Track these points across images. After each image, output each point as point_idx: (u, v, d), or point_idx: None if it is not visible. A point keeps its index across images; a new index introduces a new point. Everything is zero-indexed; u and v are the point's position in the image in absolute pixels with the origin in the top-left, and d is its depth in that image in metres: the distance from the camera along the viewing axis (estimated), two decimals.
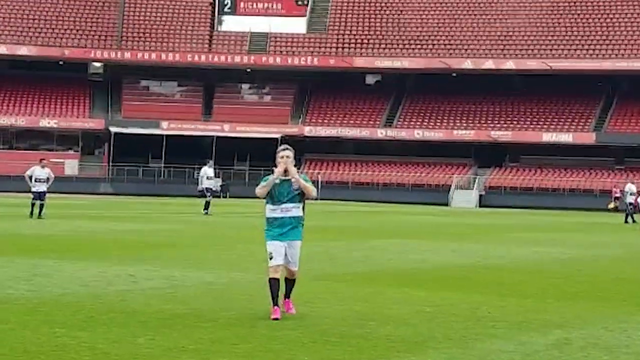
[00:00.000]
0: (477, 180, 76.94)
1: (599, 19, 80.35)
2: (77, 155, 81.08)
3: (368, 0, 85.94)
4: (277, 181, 11.73)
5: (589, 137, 77.26)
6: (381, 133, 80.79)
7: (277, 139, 79.48)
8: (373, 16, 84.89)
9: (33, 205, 33.34)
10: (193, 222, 35.39)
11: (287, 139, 79.36)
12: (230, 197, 72.62)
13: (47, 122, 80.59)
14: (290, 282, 12.14)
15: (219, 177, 53.32)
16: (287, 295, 12.08)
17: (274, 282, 11.72)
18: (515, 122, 79.29)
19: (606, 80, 79.43)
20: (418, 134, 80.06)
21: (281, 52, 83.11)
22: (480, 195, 75.18)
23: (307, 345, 10.02)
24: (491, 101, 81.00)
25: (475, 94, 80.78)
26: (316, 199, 13.65)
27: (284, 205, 11.75)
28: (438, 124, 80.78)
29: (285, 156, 11.78)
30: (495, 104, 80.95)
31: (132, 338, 10.11)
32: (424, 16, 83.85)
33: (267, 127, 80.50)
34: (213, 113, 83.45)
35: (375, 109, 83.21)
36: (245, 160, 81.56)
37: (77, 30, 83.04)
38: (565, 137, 77.48)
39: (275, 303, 11.66)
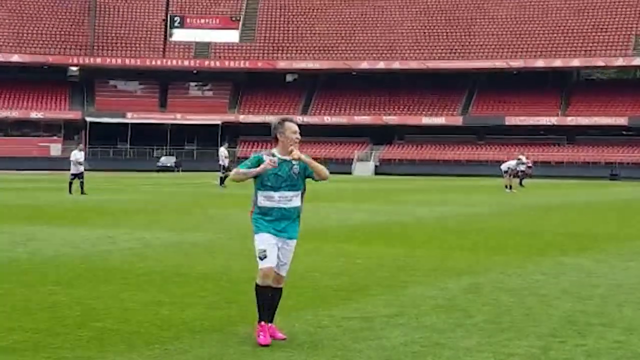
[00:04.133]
0: (373, 154, 76.61)
1: (463, 30, 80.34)
2: (60, 140, 78.72)
3: (287, 17, 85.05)
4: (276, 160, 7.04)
5: (457, 120, 77.42)
6: (298, 119, 79.65)
7: (218, 124, 78.49)
8: (291, 29, 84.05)
9: (71, 183, 30.18)
10: (156, 193, 34.17)
11: (226, 125, 78.55)
12: (182, 171, 71.46)
13: (35, 114, 78.35)
14: (275, 295, 7.09)
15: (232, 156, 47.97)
16: (270, 319, 7.02)
17: (264, 292, 6.98)
18: (401, 109, 79.05)
19: (469, 76, 79.49)
20: (327, 119, 79.53)
21: (220, 57, 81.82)
22: (376, 166, 74.81)
23: None
24: (382, 93, 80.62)
25: (371, 88, 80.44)
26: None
27: (281, 193, 6.99)
28: (342, 111, 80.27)
29: (298, 138, 7.07)
30: (386, 95, 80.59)
31: (116, 293, 9.16)
32: (330, 28, 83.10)
33: (210, 116, 79.37)
34: (167, 105, 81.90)
35: (293, 101, 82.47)
36: (194, 141, 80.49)
37: (58, 41, 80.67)
38: (439, 120, 77.52)
39: (264, 318, 6.98)
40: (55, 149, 76.88)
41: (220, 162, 38.65)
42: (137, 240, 14.56)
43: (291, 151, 7.00)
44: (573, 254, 13.32)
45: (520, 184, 45.09)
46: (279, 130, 7.06)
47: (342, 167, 73.66)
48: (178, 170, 72.27)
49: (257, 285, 7.02)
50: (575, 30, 76.82)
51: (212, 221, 19.03)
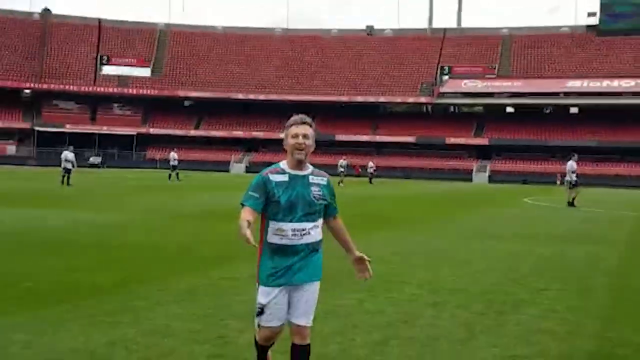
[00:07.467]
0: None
1: (304, 70, 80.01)
2: (15, 143, 73.48)
3: (186, 58, 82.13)
4: (285, 178, 3.49)
5: None
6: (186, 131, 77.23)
7: (134, 135, 74.99)
8: (189, 67, 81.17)
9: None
10: None
11: (139, 136, 75.17)
12: None
13: None
14: (299, 355, 3.53)
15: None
16: None
17: (263, 351, 3.73)
18: None
19: (311, 107, 79.07)
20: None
21: (136, 86, 78.11)
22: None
23: None
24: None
25: None
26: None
27: (296, 225, 3.47)
28: None
29: (301, 144, 3.51)
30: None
31: None
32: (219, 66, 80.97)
33: (127, 128, 75.57)
34: (97, 119, 77.61)
35: (190, 120, 79.72)
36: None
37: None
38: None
39: None
40: (11, 149, 72.16)
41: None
42: None
43: (300, 161, 3.54)
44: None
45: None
46: (285, 135, 3.62)
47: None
48: None
49: (258, 344, 3.72)
50: (382, 77, 78.65)
51: None
